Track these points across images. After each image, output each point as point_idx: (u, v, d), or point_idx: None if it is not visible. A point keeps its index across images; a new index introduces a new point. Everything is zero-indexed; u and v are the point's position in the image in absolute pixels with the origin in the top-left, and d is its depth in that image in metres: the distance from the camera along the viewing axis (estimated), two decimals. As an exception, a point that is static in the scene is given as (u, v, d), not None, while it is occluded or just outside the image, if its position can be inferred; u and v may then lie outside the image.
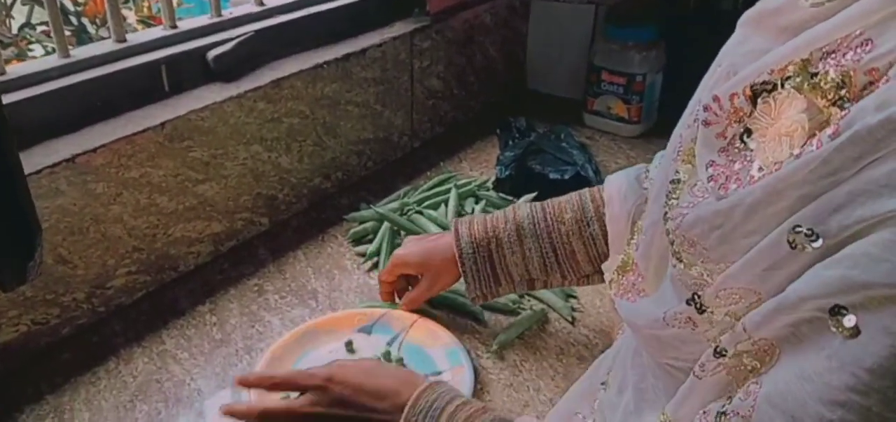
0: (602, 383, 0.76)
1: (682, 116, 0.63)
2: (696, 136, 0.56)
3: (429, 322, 0.99)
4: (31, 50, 1.79)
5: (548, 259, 0.90)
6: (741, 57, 0.55)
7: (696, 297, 0.52)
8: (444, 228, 1.21)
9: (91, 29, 1.82)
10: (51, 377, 0.94)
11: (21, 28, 1.81)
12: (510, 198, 1.32)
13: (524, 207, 0.93)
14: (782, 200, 0.45)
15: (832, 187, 0.42)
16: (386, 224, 1.23)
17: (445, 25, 1.52)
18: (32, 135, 0.96)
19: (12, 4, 1.79)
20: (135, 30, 1.70)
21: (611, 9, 1.64)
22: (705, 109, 0.54)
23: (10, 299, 0.92)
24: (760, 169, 0.48)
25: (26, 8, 1.82)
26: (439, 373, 0.92)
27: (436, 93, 1.56)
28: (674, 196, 0.57)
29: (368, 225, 1.24)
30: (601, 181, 1.31)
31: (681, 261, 0.54)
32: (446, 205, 1.29)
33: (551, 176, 1.33)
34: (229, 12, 1.25)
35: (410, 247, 0.99)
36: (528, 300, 1.08)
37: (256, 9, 1.28)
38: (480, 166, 1.49)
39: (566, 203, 0.91)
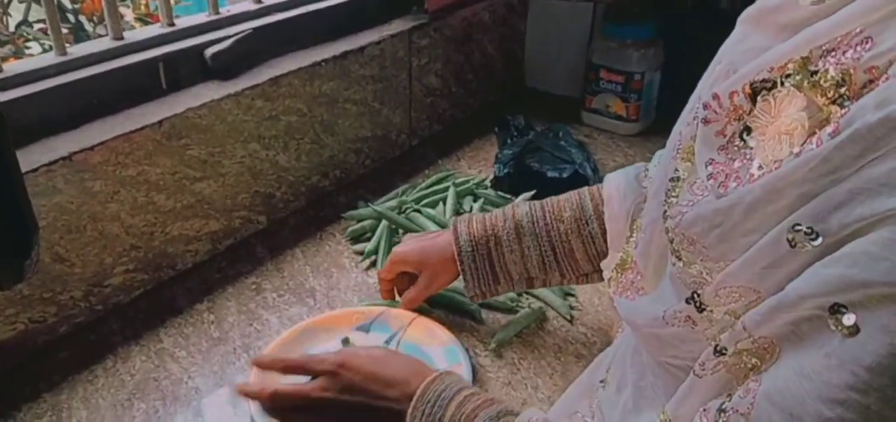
0: (601, 381, 0.75)
1: (682, 113, 0.63)
2: (695, 133, 0.56)
3: (427, 321, 0.99)
4: (28, 47, 1.78)
5: (546, 258, 0.90)
6: (741, 55, 0.55)
7: (695, 295, 0.52)
8: (443, 226, 1.21)
9: (88, 26, 1.82)
10: (48, 376, 0.94)
11: (18, 25, 1.81)
12: (508, 196, 1.32)
13: (523, 205, 0.93)
14: (782, 199, 0.45)
15: (832, 186, 0.42)
16: (384, 222, 1.23)
17: (444, 23, 1.52)
18: (29, 133, 0.96)
19: (9, 2, 1.78)
20: (132, 27, 1.69)
21: (609, 7, 1.64)
22: (705, 106, 0.54)
23: (7, 298, 0.92)
24: (760, 167, 0.48)
25: (23, 5, 1.82)
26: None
27: (434, 91, 1.56)
28: (673, 194, 0.57)
29: (366, 223, 1.24)
30: (599, 180, 1.31)
31: (680, 259, 0.54)
32: (444, 203, 1.29)
33: (549, 174, 1.33)
34: (227, 10, 1.25)
35: (409, 244, 0.99)
36: (527, 299, 1.08)
37: (254, 6, 1.28)
38: (479, 164, 1.49)
39: (565, 202, 0.91)
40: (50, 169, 0.92)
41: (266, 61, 1.23)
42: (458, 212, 1.27)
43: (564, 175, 1.32)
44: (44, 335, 0.98)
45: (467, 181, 1.36)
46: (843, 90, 0.44)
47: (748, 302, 0.48)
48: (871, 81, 0.43)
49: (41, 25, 1.79)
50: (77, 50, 1.05)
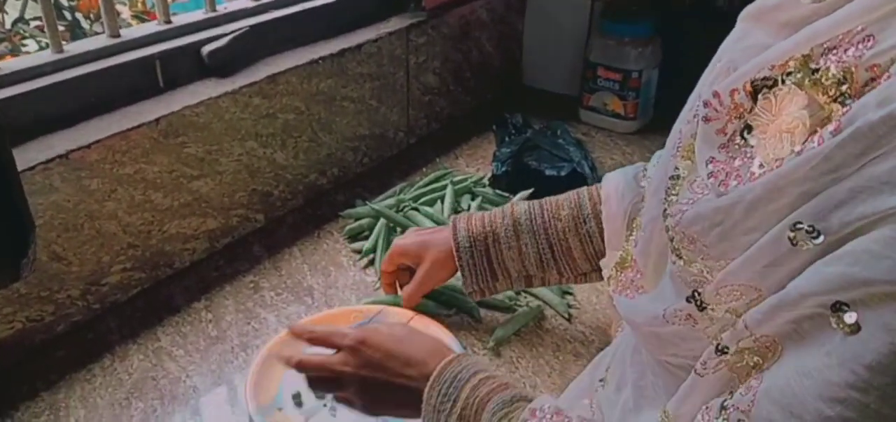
0: (600, 381, 0.75)
1: (682, 111, 0.63)
2: (695, 132, 0.56)
3: (424, 319, 0.99)
4: (24, 45, 1.78)
5: (544, 256, 0.90)
6: (741, 52, 0.55)
7: (696, 294, 0.52)
8: (441, 224, 1.21)
9: (85, 24, 1.82)
10: (46, 374, 0.94)
11: (14, 23, 1.80)
12: (506, 194, 1.32)
13: (522, 204, 0.93)
14: (783, 197, 0.45)
15: (833, 184, 0.42)
16: (382, 221, 1.22)
17: (441, 21, 1.52)
18: (26, 131, 0.95)
19: (6, 0, 1.78)
20: (129, 25, 1.69)
21: (606, 5, 1.64)
22: (705, 104, 0.54)
23: (4, 296, 0.92)
24: (761, 165, 0.48)
25: (20, 3, 1.81)
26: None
27: (432, 89, 1.56)
28: (673, 192, 0.57)
29: (364, 222, 1.24)
30: (597, 178, 1.32)
31: (680, 258, 0.54)
32: (442, 201, 1.29)
33: (547, 172, 1.33)
34: (224, 7, 1.24)
35: (410, 237, 1.00)
36: (525, 297, 1.08)
37: (251, 4, 1.27)
38: (477, 163, 1.49)
39: (564, 201, 0.91)
40: (47, 167, 0.91)
41: (263, 59, 1.23)
42: (456, 210, 1.27)
43: (562, 173, 1.32)
44: (41, 334, 0.98)
45: (465, 179, 1.36)
46: (844, 88, 0.44)
47: (749, 300, 0.47)
48: (872, 80, 0.43)
49: (37, 23, 1.78)
50: (73, 47, 1.05)
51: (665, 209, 0.57)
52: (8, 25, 1.79)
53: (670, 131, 0.64)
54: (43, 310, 0.97)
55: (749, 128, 0.51)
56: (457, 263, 0.93)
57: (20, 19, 1.82)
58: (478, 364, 0.72)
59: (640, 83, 1.56)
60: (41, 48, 1.68)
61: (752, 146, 0.50)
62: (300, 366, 0.79)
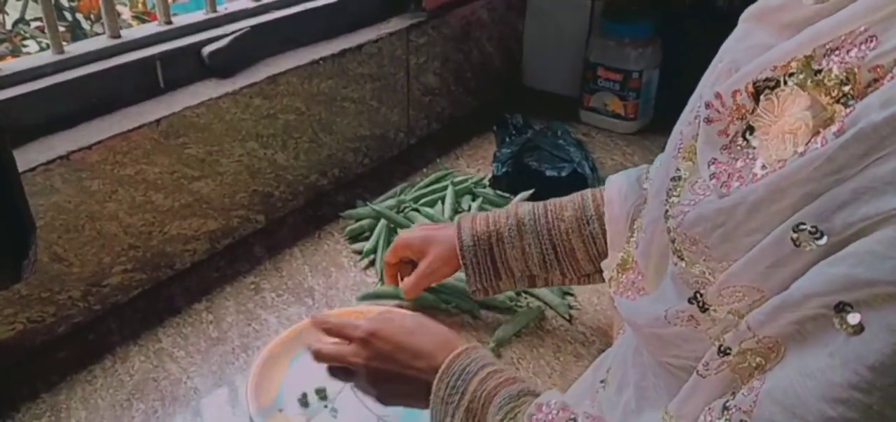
0: (601, 382, 0.75)
1: (683, 112, 0.63)
2: (696, 133, 0.56)
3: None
4: (25, 46, 1.78)
5: (547, 256, 0.90)
6: (743, 53, 0.55)
7: (698, 295, 0.52)
8: (442, 224, 1.21)
9: (86, 25, 1.82)
10: (47, 376, 0.93)
11: (15, 24, 1.80)
12: (507, 195, 1.32)
13: (526, 205, 0.94)
14: (786, 198, 0.45)
15: (836, 185, 0.42)
16: (382, 221, 1.22)
17: (442, 21, 1.51)
18: (27, 132, 0.95)
19: (6, 0, 1.78)
20: (129, 25, 1.69)
21: (607, 5, 1.63)
22: (707, 105, 0.54)
23: (5, 298, 0.91)
24: (763, 167, 0.48)
25: (20, 3, 1.81)
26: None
27: (432, 89, 1.56)
28: (675, 194, 0.57)
29: (365, 222, 1.24)
30: (598, 179, 1.32)
31: (682, 259, 0.54)
32: (443, 202, 1.29)
33: (548, 173, 1.33)
34: (225, 8, 1.24)
35: (415, 231, 1.02)
36: (525, 298, 1.08)
37: (252, 4, 1.27)
38: (477, 163, 1.49)
39: (568, 202, 0.91)
40: (47, 168, 0.91)
41: (264, 59, 1.23)
42: (456, 211, 1.27)
43: (563, 174, 1.32)
44: (42, 335, 0.97)
45: (466, 180, 1.36)
46: (847, 89, 0.44)
47: (752, 301, 0.47)
48: (875, 80, 0.43)
49: (38, 24, 1.78)
50: (74, 48, 1.04)
51: (666, 211, 0.57)
52: (9, 26, 1.79)
53: (671, 132, 0.64)
54: (44, 311, 0.97)
55: (751, 129, 0.51)
56: (460, 261, 0.93)
57: (21, 20, 1.82)
58: (486, 357, 0.72)
59: (641, 84, 1.56)
60: (42, 49, 1.68)
61: (755, 147, 0.50)
62: (317, 355, 0.81)
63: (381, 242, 1.18)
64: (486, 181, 1.38)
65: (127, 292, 1.07)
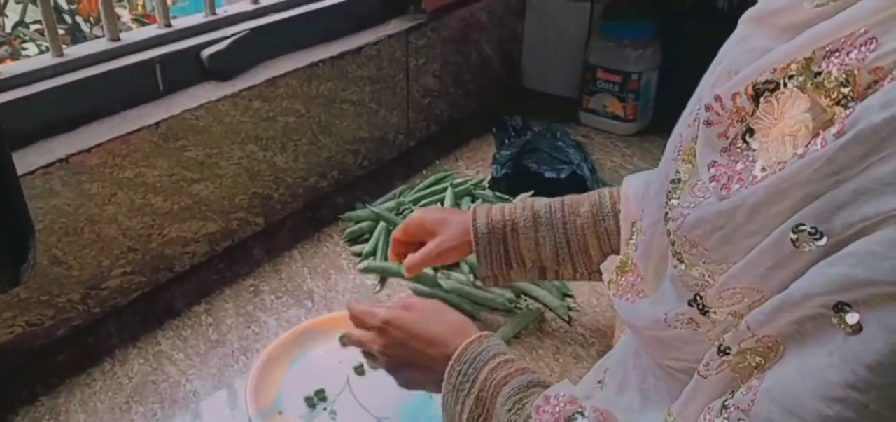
0: (599, 382, 0.75)
1: (682, 115, 0.63)
2: (696, 135, 0.56)
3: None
4: (24, 49, 1.78)
5: (561, 249, 0.91)
6: (742, 55, 0.55)
7: (698, 298, 0.52)
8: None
9: (85, 27, 1.81)
10: (46, 379, 0.93)
11: (14, 27, 1.80)
12: (506, 197, 1.32)
13: (542, 199, 0.94)
14: (786, 200, 0.45)
15: (836, 186, 0.42)
16: (382, 224, 1.22)
17: (441, 23, 1.51)
18: (26, 135, 0.95)
19: (6, 3, 1.78)
20: (129, 28, 1.69)
21: (606, 7, 1.64)
22: (707, 108, 0.54)
23: (4, 301, 0.91)
24: (763, 169, 0.48)
25: (20, 6, 1.81)
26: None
27: (431, 91, 1.56)
28: (674, 196, 0.57)
29: (364, 224, 1.24)
30: (597, 180, 1.32)
31: (682, 262, 0.54)
32: (442, 204, 1.29)
33: (547, 175, 1.33)
34: (224, 10, 1.24)
35: (430, 210, 1.03)
36: (525, 299, 1.08)
37: (251, 7, 1.27)
38: (476, 165, 1.49)
39: (585, 198, 0.92)
40: (47, 171, 0.91)
41: (263, 62, 1.23)
42: (456, 213, 1.27)
43: (562, 176, 1.32)
44: (41, 338, 0.97)
45: (465, 182, 1.36)
46: (847, 91, 0.44)
47: (751, 302, 0.47)
48: (875, 82, 0.43)
49: (38, 26, 1.78)
50: (74, 51, 1.04)
51: (666, 213, 0.57)
52: (8, 29, 1.79)
53: (670, 134, 0.64)
54: (43, 314, 0.97)
55: (751, 131, 0.51)
56: (474, 246, 0.94)
57: (20, 23, 1.82)
58: (498, 346, 0.73)
59: (640, 85, 1.56)
60: (41, 52, 1.68)
61: (754, 150, 0.50)
62: (345, 339, 0.86)
63: (380, 245, 1.18)
64: (485, 183, 1.38)
65: (126, 295, 1.07)
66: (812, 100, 0.46)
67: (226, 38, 1.17)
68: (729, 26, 0.60)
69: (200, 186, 1.11)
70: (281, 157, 1.24)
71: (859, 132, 0.40)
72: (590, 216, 0.90)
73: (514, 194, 1.30)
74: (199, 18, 1.21)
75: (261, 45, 1.23)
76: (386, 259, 1.13)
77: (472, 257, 1.11)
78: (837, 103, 0.45)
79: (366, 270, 1.11)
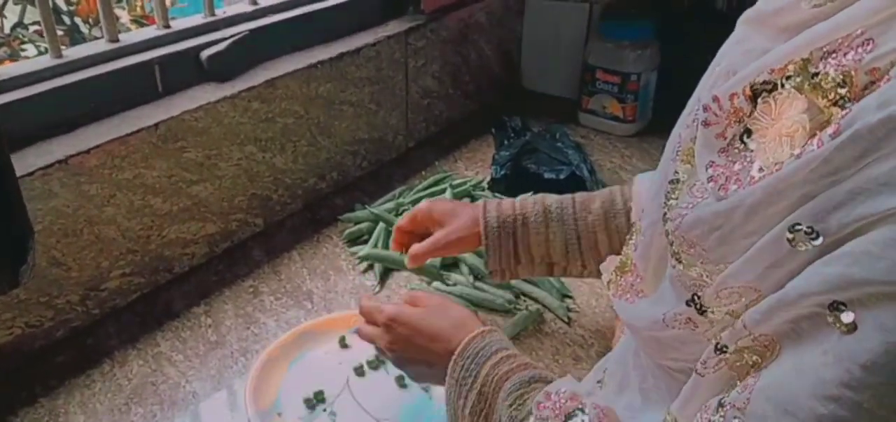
0: (598, 382, 0.76)
1: (681, 115, 0.63)
2: (695, 136, 0.56)
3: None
4: (23, 50, 1.78)
5: (570, 245, 0.91)
6: (740, 56, 0.55)
7: (696, 298, 0.52)
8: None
9: (84, 29, 1.82)
10: (45, 380, 0.93)
11: (13, 28, 1.80)
12: (505, 198, 1.32)
13: (554, 195, 0.95)
14: (783, 200, 0.45)
15: (832, 186, 0.42)
16: (381, 225, 1.22)
17: (440, 24, 1.52)
18: (25, 136, 0.95)
19: (4, 4, 1.78)
20: (128, 29, 1.69)
21: (605, 8, 1.64)
22: (705, 109, 0.54)
23: (3, 302, 0.91)
24: (761, 169, 0.48)
25: (19, 7, 1.81)
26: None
27: (430, 92, 1.56)
28: (673, 196, 0.57)
29: (363, 226, 1.24)
30: (596, 181, 1.32)
31: (680, 262, 0.54)
32: (442, 205, 1.29)
33: (546, 175, 1.33)
34: (223, 12, 1.24)
35: (439, 200, 1.03)
36: (524, 300, 1.08)
37: (250, 8, 1.27)
38: (476, 166, 1.49)
39: (597, 195, 0.93)
40: (46, 172, 0.91)
41: (262, 63, 1.23)
42: (455, 213, 1.27)
43: (561, 176, 1.32)
44: (40, 340, 0.97)
45: (464, 183, 1.36)
46: (844, 92, 0.44)
47: (749, 301, 0.48)
48: (872, 83, 0.43)
49: (36, 27, 1.78)
50: (73, 52, 1.04)
51: (665, 213, 0.57)
52: (7, 30, 1.79)
53: (669, 134, 0.64)
54: (42, 315, 0.97)
55: (748, 132, 0.51)
56: (483, 240, 0.93)
57: (19, 24, 1.82)
58: (501, 341, 0.73)
59: (639, 86, 1.56)
60: (40, 53, 1.68)
61: (752, 150, 0.50)
62: (359, 335, 0.86)
63: (379, 245, 1.18)
64: (484, 184, 1.38)
65: (125, 296, 1.07)
66: (809, 100, 0.46)
67: (225, 39, 1.17)
68: (728, 27, 0.60)
69: (199, 188, 1.11)
70: (280, 158, 1.24)
71: (855, 132, 0.41)
72: (601, 213, 0.90)
73: (513, 195, 1.29)
74: (197, 19, 1.21)
75: (260, 46, 1.23)
76: (399, 223, 1.12)
77: (471, 257, 1.11)
78: (834, 104, 0.45)
79: (363, 259, 1.10)
